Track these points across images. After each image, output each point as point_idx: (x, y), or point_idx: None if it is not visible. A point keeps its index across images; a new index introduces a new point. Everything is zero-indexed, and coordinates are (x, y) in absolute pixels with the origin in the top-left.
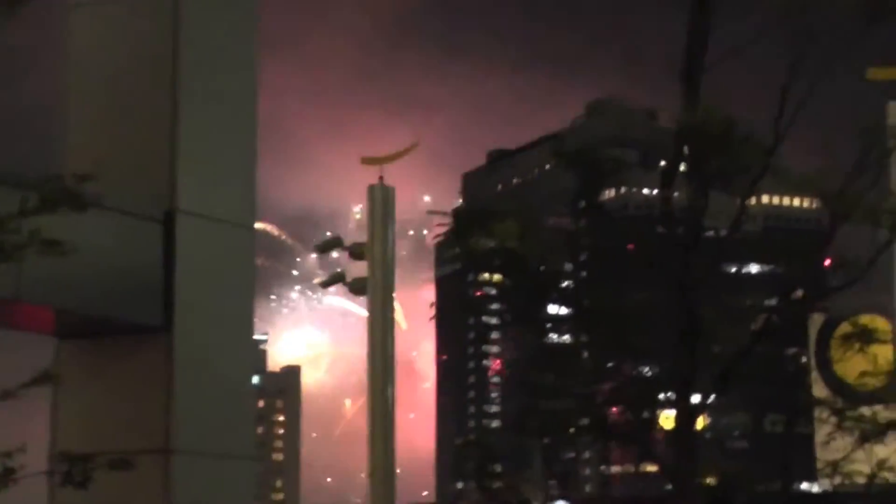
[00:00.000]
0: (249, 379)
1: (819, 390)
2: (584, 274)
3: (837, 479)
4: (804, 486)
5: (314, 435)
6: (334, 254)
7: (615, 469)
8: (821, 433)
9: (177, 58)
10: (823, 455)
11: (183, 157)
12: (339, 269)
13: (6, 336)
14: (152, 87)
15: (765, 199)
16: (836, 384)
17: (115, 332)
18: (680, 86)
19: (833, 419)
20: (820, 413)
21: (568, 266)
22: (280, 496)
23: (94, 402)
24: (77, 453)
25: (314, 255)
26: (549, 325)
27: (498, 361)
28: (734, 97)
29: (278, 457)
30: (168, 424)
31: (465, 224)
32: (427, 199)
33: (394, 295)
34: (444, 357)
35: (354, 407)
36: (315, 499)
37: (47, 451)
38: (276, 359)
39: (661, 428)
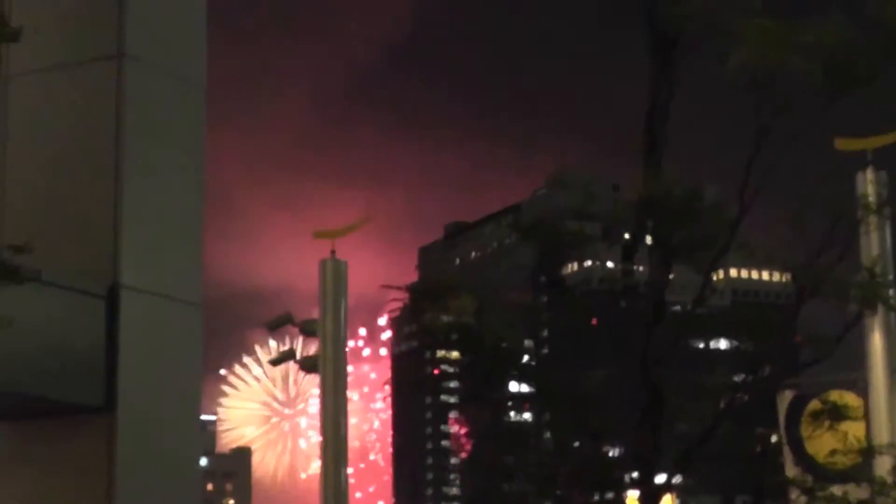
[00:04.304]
0: (197, 461)
1: (790, 469)
2: (544, 350)
3: None
4: None
5: None
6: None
7: None
8: None
9: (119, 128)
10: None
11: (126, 231)
12: (288, 347)
13: None
14: (94, 158)
15: (732, 272)
16: (808, 462)
17: (54, 413)
18: (641, 158)
19: (803, 499)
20: (791, 492)
21: (528, 342)
22: None
23: (30, 487)
24: None
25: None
26: (508, 404)
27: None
28: (699, 166)
29: None
30: None
31: (420, 299)
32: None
33: (347, 371)
34: (399, 437)
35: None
36: None
37: None
38: (226, 439)
39: None
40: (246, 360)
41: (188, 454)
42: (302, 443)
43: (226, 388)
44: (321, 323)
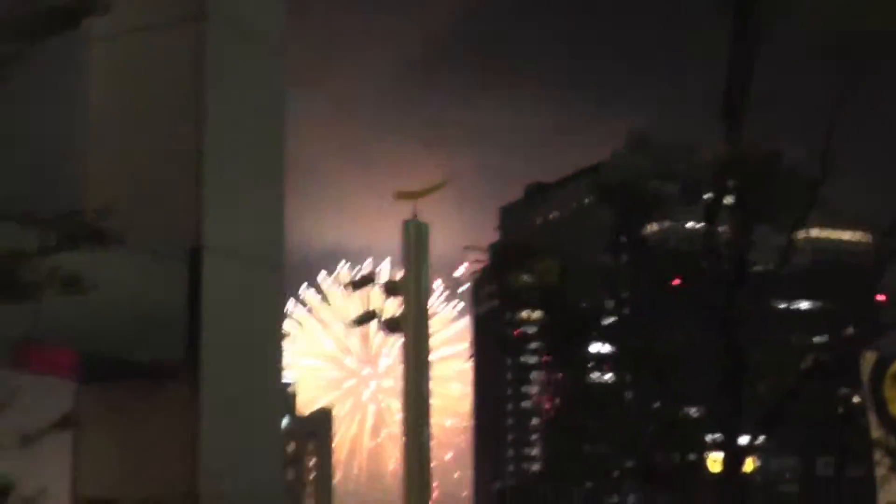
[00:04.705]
0: (279, 421)
1: (874, 430)
2: (625, 311)
3: None
4: None
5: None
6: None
7: None
8: (878, 474)
9: (201, 90)
10: (883, 497)
11: (209, 192)
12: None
13: (25, 380)
14: (176, 120)
15: (814, 232)
16: (891, 424)
17: (139, 374)
18: (722, 118)
19: (887, 460)
20: (876, 454)
21: (609, 303)
22: None
23: (117, 446)
24: (100, 498)
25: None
26: (590, 365)
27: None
28: (781, 128)
29: (310, 502)
30: (193, 469)
31: (502, 260)
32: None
33: (429, 332)
34: (481, 398)
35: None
36: None
37: (69, 497)
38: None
39: (708, 471)
40: (325, 318)
41: (270, 414)
42: (381, 404)
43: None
44: (404, 283)
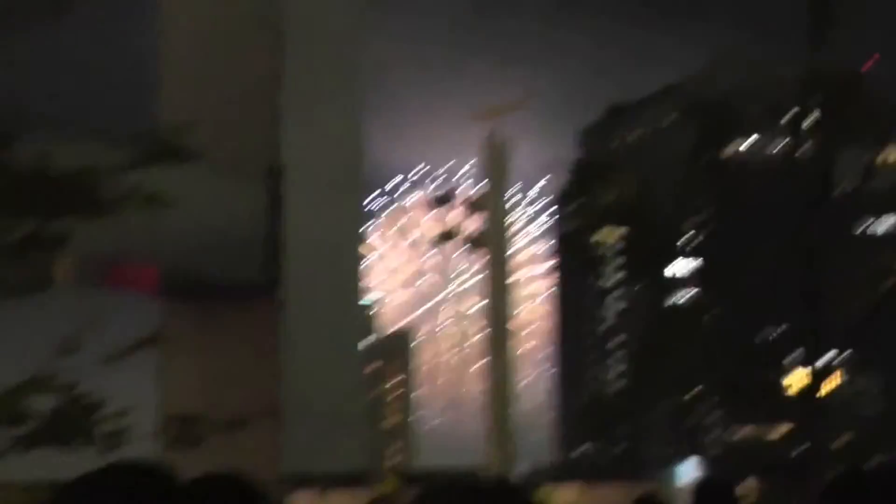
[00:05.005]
0: (360, 341)
1: None
2: (708, 230)
3: None
4: None
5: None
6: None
7: (743, 431)
8: None
9: (279, 5)
10: None
11: (288, 111)
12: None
13: (109, 298)
14: (254, 37)
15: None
16: None
17: (221, 292)
18: (808, 37)
19: None
20: None
21: (691, 222)
22: (394, 461)
23: (203, 362)
24: (186, 415)
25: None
26: (672, 284)
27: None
28: (866, 48)
29: (393, 420)
30: (277, 386)
31: (583, 178)
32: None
33: (510, 250)
34: (563, 318)
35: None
36: (432, 462)
37: (156, 413)
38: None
39: (791, 389)
40: (406, 237)
41: (350, 334)
42: (463, 323)
43: (383, 264)
44: (484, 200)
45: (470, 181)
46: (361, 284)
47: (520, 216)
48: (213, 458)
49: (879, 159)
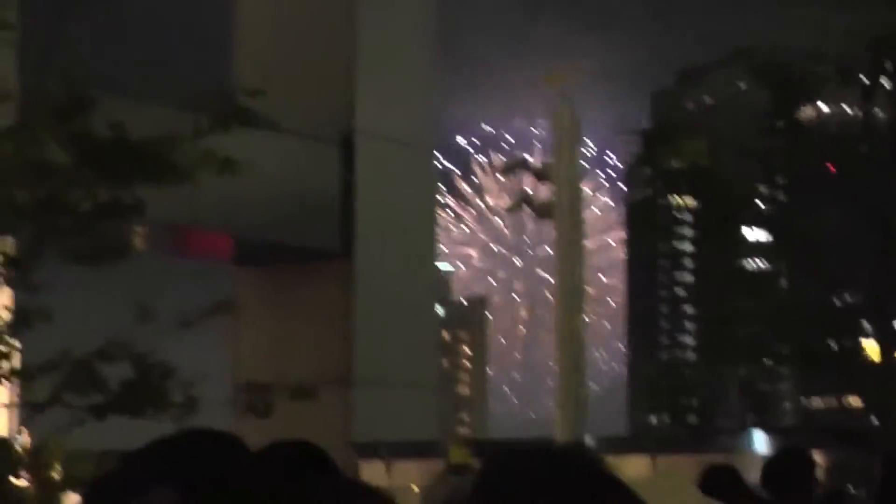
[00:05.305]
0: (433, 308)
1: None
2: (780, 196)
3: None
4: None
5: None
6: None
7: (816, 401)
8: None
9: None
10: None
11: (361, 77)
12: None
13: (184, 264)
14: (328, 2)
15: None
16: None
17: (294, 258)
18: None
19: None
20: None
21: (764, 188)
22: (466, 430)
23: (274, 330)
24: (259, 382)
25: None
26: (745, 251)
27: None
28: None
29: (464, 390)
30: (349, 353)
31: (654, 144)
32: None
33: (581, 217)
34: (635, 285)
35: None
36: (503, 432)
37: (229, 380)
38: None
39: (866, 358)
40: (480, 204)
41: (425, 300)
42: (535, 292)
43: (457, 231)
44: (554, 168)
45: (541, 147)
46: (435, 251)
47: (592, 183)
48: (283, 426)
49: None
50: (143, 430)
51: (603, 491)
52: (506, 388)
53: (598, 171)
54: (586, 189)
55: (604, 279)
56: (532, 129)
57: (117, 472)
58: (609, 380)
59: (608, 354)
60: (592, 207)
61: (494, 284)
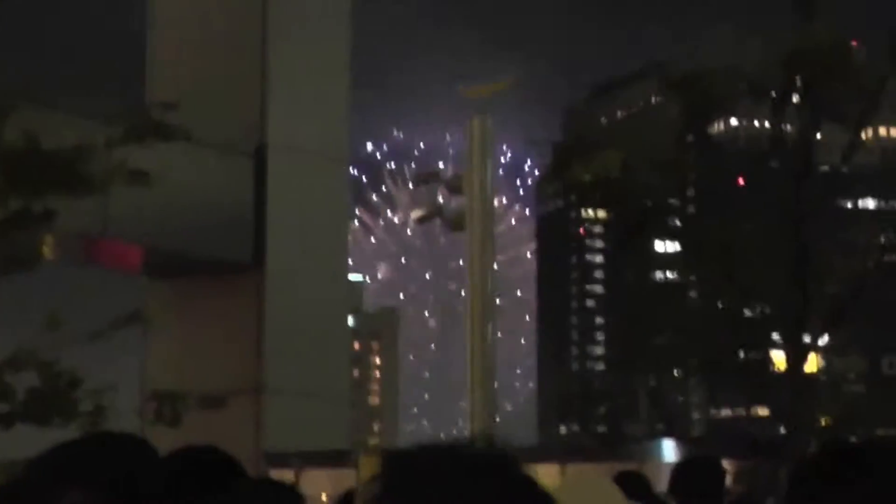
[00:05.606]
0: (344, 318)
1: None
2: (691, 208)
3: None
4: None
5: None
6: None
7: (724, 412)
8: None
9: None
10: None
11: (273, 89)
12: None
13: (94, 275)
14: (240, 15)
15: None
16: None
17: (205, 270)
18: (791, 12)
19: None
20: None
21: (675, 200)
22: (377, 440)
23: (186, 340)
24: (167, 392)
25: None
26: (655, 262)
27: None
28: (849, 23)
29: (375, 401)
30: (259, 363)
31: (566, 156)
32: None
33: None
34: (546, 298)
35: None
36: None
37: (138, 390)
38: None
39: (774, 369)
40: (391, 215)
41: (336, 311)
42: (446, 305)
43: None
44: (467, 180)
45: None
46: (346, 262)
47: (507, 195)
48: (194, 435)
49: (864, 136)
50: (50, 439)
51: (513, 488)
52: (417, 397)
53: (515, 182)
54: (501, 201)
55: (518, 293)
56: (446, 136)
57: (25, 477)
58: (523, 396)
59: (522, 372)
60: (509, 219)
61: (402, 298)
